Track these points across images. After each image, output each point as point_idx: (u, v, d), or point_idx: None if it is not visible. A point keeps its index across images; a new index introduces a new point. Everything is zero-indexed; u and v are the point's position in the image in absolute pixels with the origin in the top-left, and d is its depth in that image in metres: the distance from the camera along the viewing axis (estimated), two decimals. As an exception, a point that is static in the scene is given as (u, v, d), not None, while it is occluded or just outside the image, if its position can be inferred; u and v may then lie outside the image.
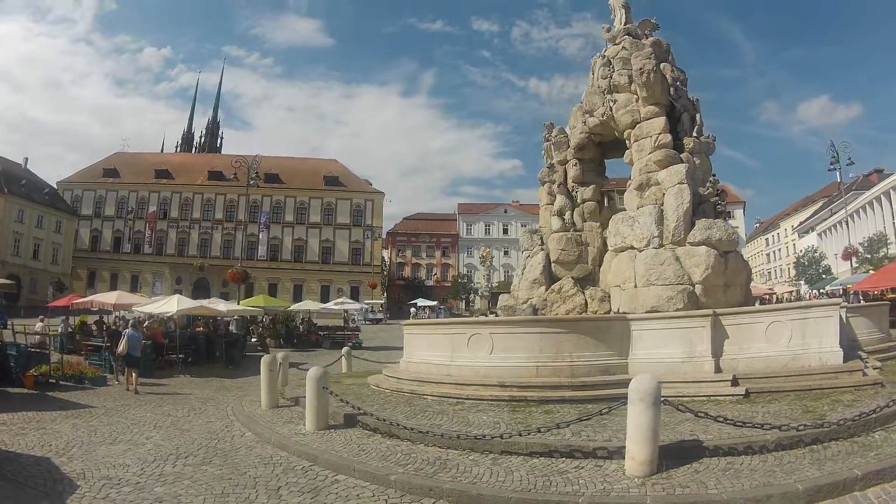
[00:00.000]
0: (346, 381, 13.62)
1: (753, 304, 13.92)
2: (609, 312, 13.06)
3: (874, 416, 6.88)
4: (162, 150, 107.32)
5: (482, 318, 14.85)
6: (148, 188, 72.62)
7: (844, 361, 9.50)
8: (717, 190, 13.07)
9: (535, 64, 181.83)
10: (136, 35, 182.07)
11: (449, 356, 10.78)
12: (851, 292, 28.84)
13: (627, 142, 13.85)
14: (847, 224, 47.44)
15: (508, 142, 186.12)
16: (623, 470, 6.07)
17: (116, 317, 25.14)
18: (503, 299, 16.04)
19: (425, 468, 6.56)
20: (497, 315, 16.06)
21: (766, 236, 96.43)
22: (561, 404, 9.03)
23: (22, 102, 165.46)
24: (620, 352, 10.18)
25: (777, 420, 6.97)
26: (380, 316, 56.88)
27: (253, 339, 27.97)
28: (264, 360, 11.56)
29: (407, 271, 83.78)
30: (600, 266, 14.48)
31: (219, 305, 24.42)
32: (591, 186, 15.51)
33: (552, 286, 14.70)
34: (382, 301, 66.07)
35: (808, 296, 43.44)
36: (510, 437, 6.86)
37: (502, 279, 76.06)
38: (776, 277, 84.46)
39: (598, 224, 15.01)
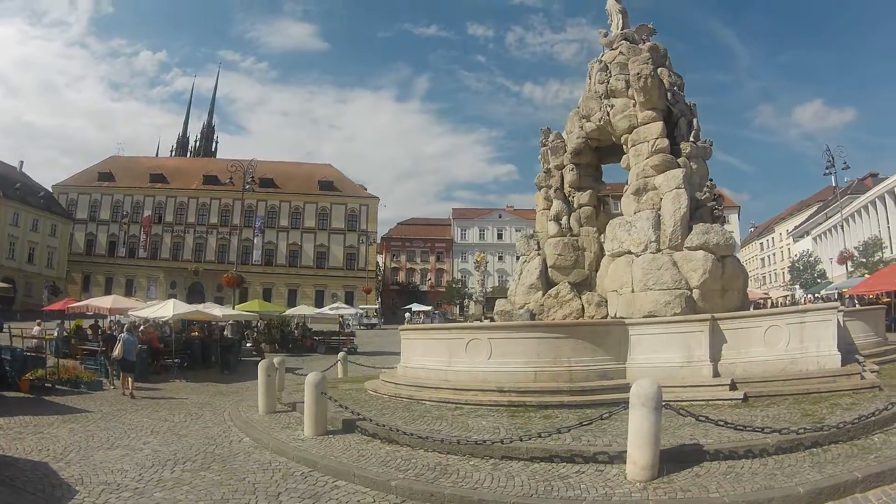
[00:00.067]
0: (342, 386, 13.57)
1: (750, 309, 13.96)
2: (606, 317, 13.06)
3: (873, 419, 6.95)
4: (157, 155, 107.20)
5: (480, 323, 14.84)
6: (143, 192, 72.43)
7: (842, 365, 9.56)
8: (715, 194, 13.09)
9: (530, 69, 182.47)
10: (131, 39, 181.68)
11: (447, 361, 10.76)
12: (847, 296, 28.98)
13: (625, 146, 13.90)
14: (842, 228, 47.59)
15: (503, 147, 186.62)
16: (624, 474, 6.08)
17: (111, 321, 25.04)
18: (500, 304, 16.03)
19: (426, 473, 6.54)
20: (493, 320, 16.07)
21: (760, 241, 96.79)
22: (560, 409, 9.02)
23: (17, 106, 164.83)
24: (618, 357, 10.19)
25: (776, 424, 6.99)
26: (374, 321, 56.74)
27: (248, 344, 27.85)
28: (261, 366, 11.51)
29: (401, 276, 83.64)
30: (597, 271, 14.50)
31: (214, 310, 24.34)
32: (588, 191, 15.56)
33: (549, 291, 14.71)
34: (377, 306, 65.93)
35: (803, 300, 43.57)
36: (510, 441, 6.85)
37: (497, 284, 76.13)
38: (771, 282, 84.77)
39: (595, 229, 15.06)
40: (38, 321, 22.04)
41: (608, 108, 14.10)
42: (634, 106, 13.49)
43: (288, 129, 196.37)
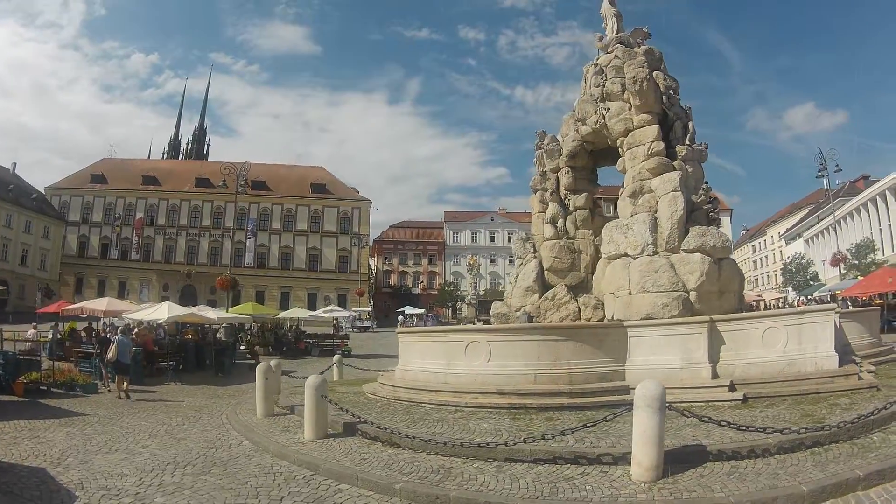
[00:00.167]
0: (339, 389, 13.54)
1: (746, 311, 14.03)
2: (603, 320, 13.11)
3: (872, 418, 7.03)
4: (149, 157, 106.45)
5: (480, 325, 14.85)
6: (135, 195, 71.84)
7: (840, 366, 9.64)
8: (710, 197, 13.18)
9: (521, 72, 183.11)
10: (123, 41, 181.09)
11: (446, 364, 10.75)
12: (840, 298, 29.20)
13: (620, 150, 13.94)
14: (835, 230, 48.03)
15: (494, 150, 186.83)
16: (629, 475, 6.10)
17: (104, 323, 24.89)
18: (496, 307, 16.04)
19: (430, 476, 6.52)
20: (490, 322, 16.08)
21: (752, 243, 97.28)
22: (560, 411, 9.05)
23: (10, 107, 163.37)
24: (618, 359, 10.23)
25: (777, 424, 7.03)
26: (367, 324, 56.65)
27: (242, 347, 27.74)
28: (259, 369, 11.45)
29: (394, 279, 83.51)
30: (593, 273, 14.57)
31: (208, 313, 24.24)
32: (584, 194, 15.62)
33: (545, 294, 14.76)
34: (370, 309, 65.82)
35: (796, 302, 43.87)
36: (514, 444, 6.85)
37: (489, 287, 76.21)
38: (763, 284, 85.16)
39: (591, 231, 15.14)
40: (33, 324, 21.93)
41: (604, 112, 14.15)
42: (630, 109, 13.54)
43: (279, 132, 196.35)
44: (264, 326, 30.95)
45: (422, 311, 63.51)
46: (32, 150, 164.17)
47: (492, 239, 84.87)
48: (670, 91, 13.97)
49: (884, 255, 47.15)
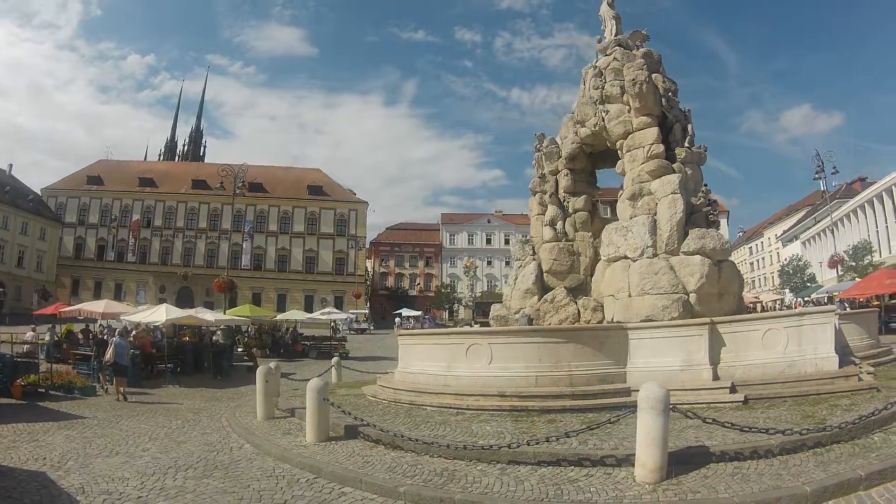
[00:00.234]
0: (339, 391, 13.50)
1: (745, 313, 14.07)
2: (602, 322, 13.13)
3: (873, 418, 7.09)
4: (145, 158, 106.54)
5: (480, 328, 14.85)
6: (132, 196, 71.66)
7: (839, 367, 9.67)
8: (709, 199, 13.23)
9: (518, 74, 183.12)
10: (119, 42, 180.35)
11: (447, 366, 10.74)
12: (837, 300, 29.31)
13: (620, 152, 13.97)
14: (832, 232, 48.22)
15: (490, 152, 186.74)
16: (633, 477, 6.11)
17: (101, 325, 24.79)
18: (496, 309, 16.03)
19: (434, 479, 6.51)
20: (490, 325, 16.07)
21: (749, 245, 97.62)
22: (562, 413, 9.06)
23: (6, 108, 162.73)
24: (619, 361, 10.25)
25: (778, 425, 7.08)
26: (365, 326, 56.57)
27: (239, 349, 27.66)
28: (260, 371, 11.43)
29: (390, 281, 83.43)
30: (592, 276, 14.59)
31: (206, 315, 24.15)
32: (583, 196, 15.63)
33: (545, 296, 14.77)
34: (366, 311, 65.75)
35: (794, 304, 44.00)
36: (517, 446, 6.85)
37: (486, 289, 76.23)
38: (760, 286, 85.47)
39: (590, 234, 15.14)
40: (32, 326, 21.88)
41: (603, 114, 14.18)
42: (629, 111, 13.58)
43: (275, 134, 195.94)
44: (262, 329, 30.88)
45: (419, 313, 63.44)
46: (29, 151, 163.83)
47: (488, 241, 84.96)
48: (669, 93, 13.99)
49: (881, 256, 47.38)
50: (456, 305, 75.61)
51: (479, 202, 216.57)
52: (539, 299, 14.79)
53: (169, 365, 19.22)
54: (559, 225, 15.53)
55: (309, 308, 59.25)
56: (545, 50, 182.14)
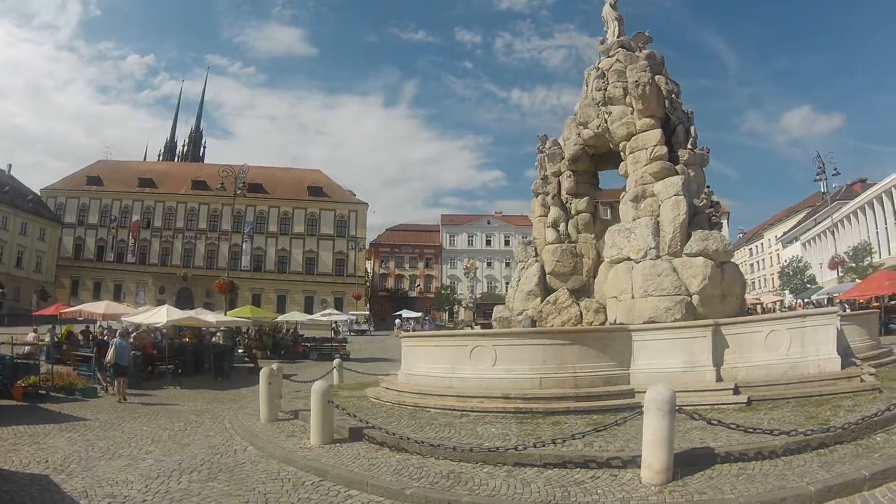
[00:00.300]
0: (342, 393, 13.48)
1: (747, 314, 14.08)
2: (605, 323, 13.13)
3: (876, 419, 7.12)
4: (145, 159, 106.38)
5: (484, 330, 14.82)
6: (131, 197, 71.62)
7: (842, 368, 9.67)
8: (712, 201, 13.22)
9: (518, 75, 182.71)
10: (119, 42, 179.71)
11: (451, 368, 10.74)
12: (837, 301, 29.34)
13: (622, 154, 13.98)
14: (832, 233, 48.32)
15: (490, 153, 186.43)
16: (639, 478, 6.11)
17: (100, 326, 24.77)
18: (498, 311, 16.02)
19: (440, 482, 6.51)
20: (491, 326, 16.07)
21: (749, 246, 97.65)
22: (567, 415, 9.07)
23: (5, 108, 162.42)
24: (622, 362, 10.24)
25: (782, 426, 7.11)
26: (365, 327, 56.53)
27: (240, 351, 27.65)
28: (263, 373, 11.40)
29: (390, 282, 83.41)
30: (595, 277, 14.59)
31: (207, 316, 24.16)
32: (585, 198, 15.64)
33: (547, 297, 14.77)
34: (367, 312, 65.72)
35: (795, 305, 44.02)
36: (524, 448, 6.85)
37: (486, 290, 76.21)
38: (760, 287, 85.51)
39: (593, 235, 15.15)
40: (33, 328, 21.87)
41: (606, 116, 14.18)
42: (632, 113, 13.59)
43: (275, 134, 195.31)
44: (262, 330, 30.86)
45: (419, 314, 63.38)
46: (28, 151, 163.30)
47: (488, 242, 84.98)
48: (672, 95, 13.99)
49: (881, 257, 47.40)
50: (456, 307, 75.52)
51: (479, 203, 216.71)
52: (542, 301, 14.80)
53: (170, 366, 19.23)
54: (562, 226, 15.53)
55: (309, 309, 59.19)
56: (545, 51, 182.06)
